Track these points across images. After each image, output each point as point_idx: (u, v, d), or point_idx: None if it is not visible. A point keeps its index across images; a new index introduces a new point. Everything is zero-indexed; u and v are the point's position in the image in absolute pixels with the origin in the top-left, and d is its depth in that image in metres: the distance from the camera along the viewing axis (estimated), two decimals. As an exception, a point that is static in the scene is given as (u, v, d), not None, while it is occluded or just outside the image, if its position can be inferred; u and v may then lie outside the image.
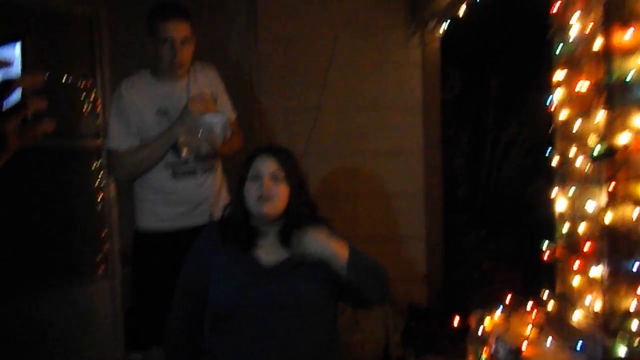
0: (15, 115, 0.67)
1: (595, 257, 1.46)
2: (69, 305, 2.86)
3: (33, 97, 0.68)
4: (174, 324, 1.63)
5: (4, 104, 0.66)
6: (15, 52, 0.71)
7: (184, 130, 2.02)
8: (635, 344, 1.36)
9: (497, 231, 3.66)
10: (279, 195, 1.54)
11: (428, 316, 3.25)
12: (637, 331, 1.38)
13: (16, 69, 0.70)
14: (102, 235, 3.00)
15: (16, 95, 0.68)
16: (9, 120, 0.67)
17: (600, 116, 1.37)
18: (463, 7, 2.81)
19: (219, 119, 2.01)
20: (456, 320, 2.06)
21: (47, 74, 0.62)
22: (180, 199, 2.18)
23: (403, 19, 3.26)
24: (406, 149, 3.31)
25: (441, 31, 3.21)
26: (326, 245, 1.45)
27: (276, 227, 1.60)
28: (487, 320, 1.86)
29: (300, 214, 1.59)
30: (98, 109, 2.96)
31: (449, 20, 3.11)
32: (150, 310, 2.14)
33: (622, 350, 1.39)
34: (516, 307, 1.89)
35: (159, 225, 2.19)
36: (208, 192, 2.21)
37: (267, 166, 1.54)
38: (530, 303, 1.83)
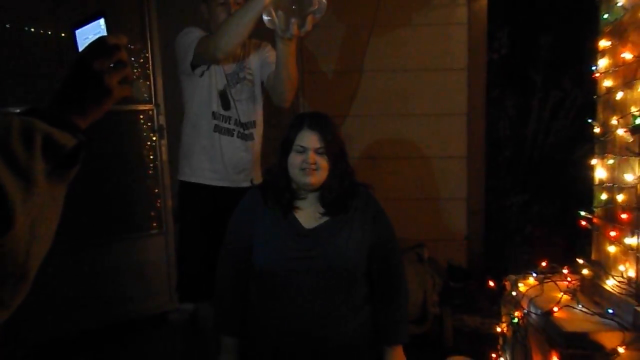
0: (120, 71, 0.82)
1: (631, 227, 1.47)
2: (127, 259, 3.10)
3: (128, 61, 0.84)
4: (221, 280, 1.76)
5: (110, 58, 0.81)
6: (100, 26, 0.88)
7: None
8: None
9: (541, 195, 3.63)
10: (323, 167, 1.62)
11: (467, 277, 3.31)
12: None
13: None
14: (156, 195, 3.19)
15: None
16: (115, 74, 0.82)
17: (643, 86, 1.35)
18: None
19: None
20: (492, 282, 2.11)
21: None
22: (217, 156, 2.26)
23: (449, -24, 3.18)
24: (450, 111, 3.30)
25: (489, -12, 3.12)
26: None
27: (316, 192, 1.68)
28: (521, 284, 1.91)
29: (341, 180, 1.67)
30: (149, 74, 3.10)
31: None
32: (196, 259, 2.29)
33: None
34: (551, 271, 1.92)
35: (197, 179, 2.30)
36: (244, 157, 2.29)
37: (312, 141, 1.62)
38: (565, 269, 1.86)
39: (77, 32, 0.90)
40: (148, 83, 3.14)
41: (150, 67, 3.11)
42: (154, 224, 3.20)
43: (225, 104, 2.26)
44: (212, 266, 1.85)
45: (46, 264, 0.73)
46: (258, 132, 2.35)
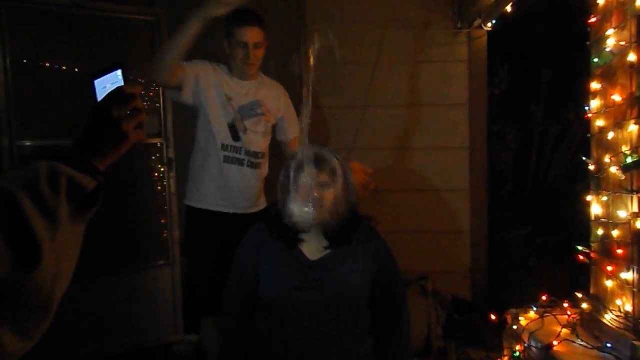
0: (135, 117, 0.89)
1: (626, 262, 1.51)
2: (133, 290, 3.12)
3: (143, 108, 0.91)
4: (227, 311, 1.80)
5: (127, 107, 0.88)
6: (118, 76, 0.95)
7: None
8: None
9: (543, 227, 3.65)
10: (326, 202, 1.67)
11: (471, 309, 3.31)
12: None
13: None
14: (163, 226, 3.23)
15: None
16: (131, 121, 0.88)
17: (632, 127, 1.41)
18: (510, 4, 2.81)
19: None
20: (494, 316, 2.13)
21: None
22: (227, 185, 2.39)
23: (450, 16, 3.29)
24: (452, 144, 3.36)
25: (489, 26, 3.21)
26: None
27: (320, 225, 1.73)
28: (522, 318, 1.93)
29: (344, 213, 1.71)
30: (159, 107, 3.19)
31: (495, 19, 3.12)
32: (203, 283, 2.40)
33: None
34: (552, 305, 1.95)
35: (204, 205, 2.42)
36: (253, 185, 2.43)
37: (314, 176, 1.68)
38: (565, 303, 1.88)
39: (96, 82, 0.97)
40: (157, 116, 3.23)
41: (160, 101, 3.20)
42: (161, 256, 3.24)
43: (235, 136, 2.39)
44: (218, 291, 1.91)
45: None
46: (265, 163, 2.49)
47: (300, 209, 1.67)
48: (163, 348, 3.18)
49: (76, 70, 3.07)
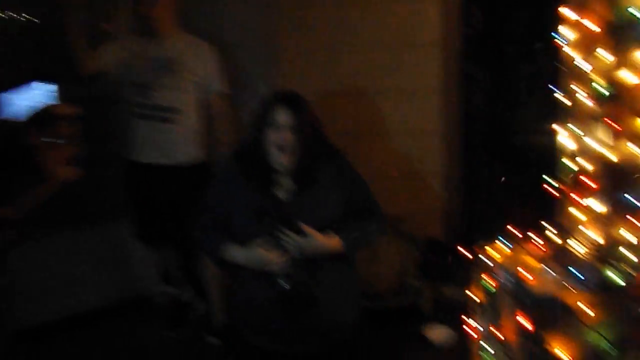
0: (59, 149, 0.68)
1: (597, 194, 1.53)
2: (111, 242, 3.11)
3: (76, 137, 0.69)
4: (200, 227, 1.80)
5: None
6: (49, 92, 0.73)
7: None
8: (629, 272, 1.45)
9: (516, 167, 3.70)
10: (297, 145, 1.66)
11: (444, 250, 3.38)
12: (631, 261, 1.47)
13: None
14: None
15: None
16: (53, 154, 0.68)
17: (607, 56, 1.39)
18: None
19: None
20: (465, 251, 2.16)
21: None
22: (136, 135, 2.67)
23: (422, -50, 3.17)
24: (424, 86, 3.31)
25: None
26: (320, 250, 1.63)
27: (291, 169, 1.72)
28: (493, 251, 1.96)
29: (314, 155, 1.70)
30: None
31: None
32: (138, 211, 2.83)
33: (617, 279, 1.49)
34: (522, 237, 1.97)
35: (124, 154, 2.77)
36: (162, 139, 2.63)
37: (287, 118, 1.65)
38: (535, 235, 1.92)
39: (12, 95, 0.73)
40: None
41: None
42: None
43: (143, 93, 2.61)
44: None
45: (26, 247, 0.64)
46: (182, 118, 2.64)
47: (272, 151, 1.66)
48: (143, 301, 3.21)
49: (37, 21, 2.94)
